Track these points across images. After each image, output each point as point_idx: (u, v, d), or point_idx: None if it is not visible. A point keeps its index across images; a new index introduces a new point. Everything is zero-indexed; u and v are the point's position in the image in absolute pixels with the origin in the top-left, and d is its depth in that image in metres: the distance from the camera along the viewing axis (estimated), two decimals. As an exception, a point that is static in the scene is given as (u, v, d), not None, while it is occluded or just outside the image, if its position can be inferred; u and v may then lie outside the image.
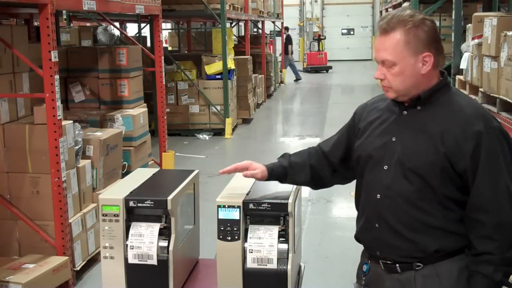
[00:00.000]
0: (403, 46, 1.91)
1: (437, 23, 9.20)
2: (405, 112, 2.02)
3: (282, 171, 2.23)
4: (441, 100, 1.98)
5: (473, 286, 1.93)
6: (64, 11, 9.79)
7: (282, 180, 2.25)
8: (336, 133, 2.28)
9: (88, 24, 12.44)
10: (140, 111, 6.15)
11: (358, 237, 2.18)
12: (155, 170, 2.60)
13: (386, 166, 2.01)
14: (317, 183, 2.28)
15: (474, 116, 1.92)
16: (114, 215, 2.16)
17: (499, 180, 1.90)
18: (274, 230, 2.13)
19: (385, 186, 2.00)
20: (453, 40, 6.25)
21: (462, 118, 1.92)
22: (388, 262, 2.05)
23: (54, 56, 3.90)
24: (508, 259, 1.90)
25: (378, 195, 2.02)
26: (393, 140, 2.01)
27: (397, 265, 2.02)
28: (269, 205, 2.11)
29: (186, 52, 14.06)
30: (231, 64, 10.18)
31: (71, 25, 10.98)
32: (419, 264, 1.99)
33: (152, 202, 2.16)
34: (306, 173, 2.23)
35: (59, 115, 3.96)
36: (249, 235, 2.13)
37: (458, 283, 1.96)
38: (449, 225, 1.96)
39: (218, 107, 10.05)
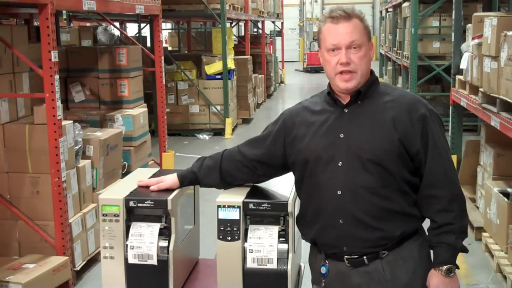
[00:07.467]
0: (363, 31, 2.07)
1: (437, 23, 9.19)
2: (346, 110, 2.10)
3: (192, 176, 2.30)
4: (376, 93, 2.10)
5: (439, 256, 2.05)
6: (64, 11, 9.79)
7: (196, 184, 2.35)
8: (262, 133, 2.28)
9: (88, 24, 12.44)
10: (140, 111, 6.15)
11: (315, 239, 2.16)
12: (155, 170, 2.60)
13: (340, 163, 2.05)
14: (229, 184, 2.29)
15: (415, 102, 2.08)
16: (114, 215, 2.17)
17: (446, 156, 2.07)
18: (274, 230, 2.13)
19: (344, 181, 2.04)
20: (453, 40, 6.23)
21: (405, 104, 2.06)
22: (354, 256, 2.08)
23: (54, 56, 3.90)
24: (464, 226, 2.08)
25: (339, 191, 2.05)
26: (341, 137, 2.06)
27: (365, 257, 2.07)
28: (269, 205, 2.12)
29: (186, 52, 14.04)
30: (231, 64, 10.17)
31: (71, 25, 10.98)
32: (385, 251, 2.06)
33: (152, 202, 2.17)
34: (215, 176, 2.28)
35: (59, 115, 3.96)
36: (249, 235, 2.13)
37: (420, 260, 2.09)
38: (407, 208, 2.06)
39: (218, 107, 10.04)
